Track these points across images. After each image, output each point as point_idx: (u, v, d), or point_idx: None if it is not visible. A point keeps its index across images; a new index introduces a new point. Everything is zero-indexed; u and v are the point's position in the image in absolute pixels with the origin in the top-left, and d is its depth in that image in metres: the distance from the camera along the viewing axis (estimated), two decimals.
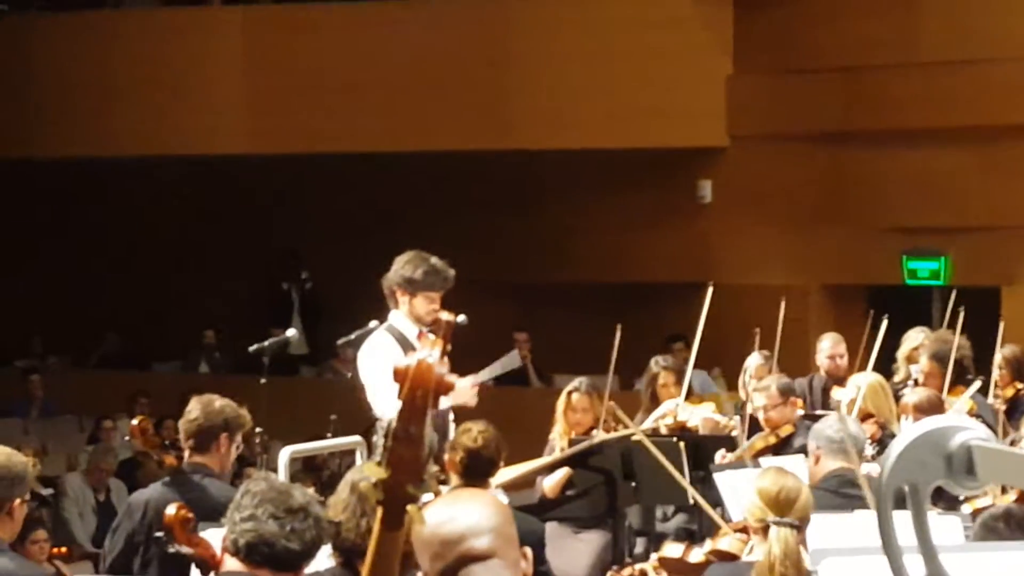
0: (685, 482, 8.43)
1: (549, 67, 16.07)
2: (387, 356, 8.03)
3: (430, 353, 2.92)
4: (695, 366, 10.84)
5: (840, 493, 7.05)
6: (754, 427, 9.96)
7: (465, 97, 16.21)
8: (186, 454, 7.02)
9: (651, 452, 8.52)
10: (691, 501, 8.57)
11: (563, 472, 9.22)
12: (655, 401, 10.29)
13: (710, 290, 10.69)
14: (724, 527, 7.21)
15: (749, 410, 10.42)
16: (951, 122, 14.60)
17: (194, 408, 7.01)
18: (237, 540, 4.56)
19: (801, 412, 9.93)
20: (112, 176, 18.11)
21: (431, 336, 2.99)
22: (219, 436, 6.97)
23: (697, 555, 6.85)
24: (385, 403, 8.10)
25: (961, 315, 11.06)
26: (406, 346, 8.20)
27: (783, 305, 11.36)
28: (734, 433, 9.93)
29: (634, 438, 8.90)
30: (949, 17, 14.77)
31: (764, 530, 5.87)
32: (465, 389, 8.35)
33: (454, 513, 3.21)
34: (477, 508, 3.24)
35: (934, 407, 8.71)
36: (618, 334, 9.71)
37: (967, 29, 14.65)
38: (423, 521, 2.95)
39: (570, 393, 9.51)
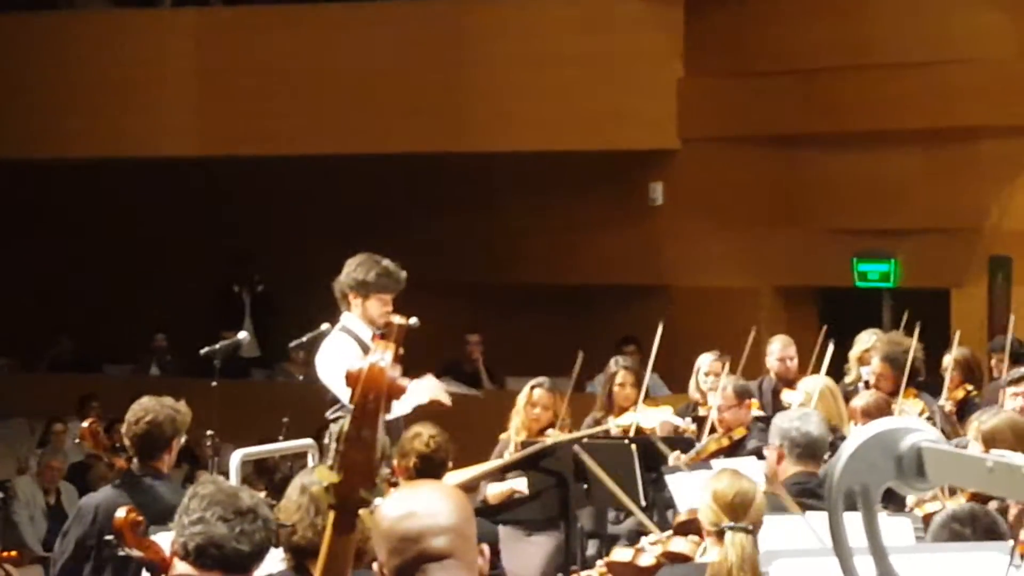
0: (619, 491, 8.40)
1: (501, 69, 16.06)
2: (349, 354, 7.98)
3: (382, 356, 2.92)
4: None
5: (798, 501, 7.02)
6: (704, 428, 9.98)
7: (417, 99, 16.17)
8: (135, 459, 7.01)
9: (598, 457, 8.53)
10: (642, 503, 8.57)
11: (508, 486, 9.21)
12: (611, 400, 10.28)
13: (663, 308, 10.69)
14: (659, 536, 7.17)
15: (701, 411, 10.44)
16: (900, 125, 14.65)
17: (139, 419, 6.96)
18: (187, 543, 4.54)
19: (755, 414, 9.96)
20: (63, 178, 18.00)
21: (383, 340, 2.98)
22: (170, 443, 6.99)
23: (648, 558, 6.84)
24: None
25: (906, 317, 11.11)
26: (363, 347, 8.17)
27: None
28: (689, 436, 9.94)
29: (580, 443, 8.86)
30: (898, 20, 14.82)
31: (718, 534, 5.87)
32: (435, 385, 8.29)
33: (415, 508, 3.18)
34: (438, 504, 3.21)
35: (881, 410, 8.73)
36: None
37: (916, 32, 14.70)
38: (376, 525, 2.94)
39: (533, 388, 9.52)
